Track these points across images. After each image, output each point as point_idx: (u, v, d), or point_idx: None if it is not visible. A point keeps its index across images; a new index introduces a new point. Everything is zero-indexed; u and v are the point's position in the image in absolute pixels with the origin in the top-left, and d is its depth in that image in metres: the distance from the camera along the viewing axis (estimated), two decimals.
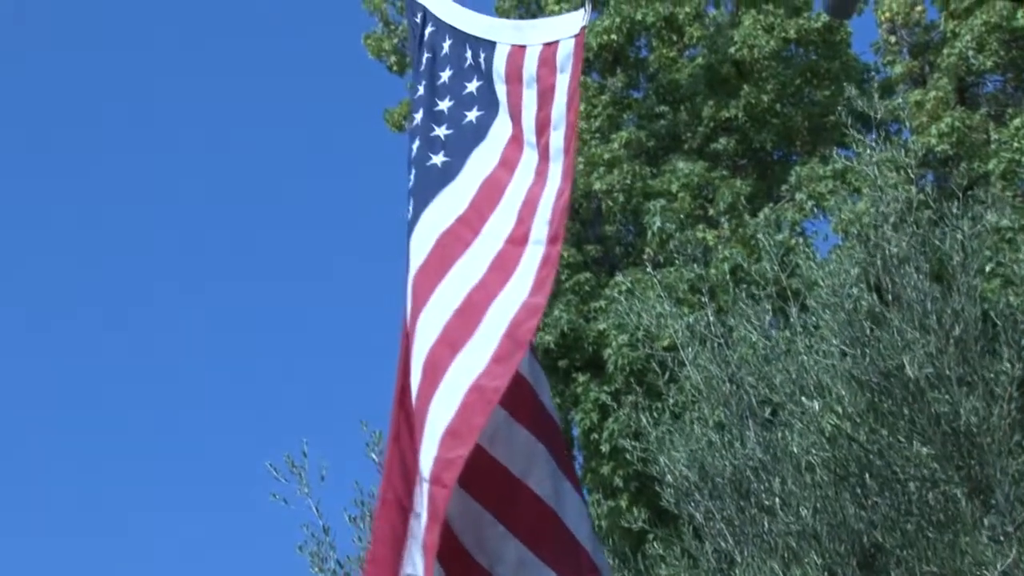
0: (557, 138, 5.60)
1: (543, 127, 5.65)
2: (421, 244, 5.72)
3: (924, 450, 11.01)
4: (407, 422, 5.55)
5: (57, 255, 38.33)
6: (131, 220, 37.21)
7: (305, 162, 37.50)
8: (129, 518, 35.93)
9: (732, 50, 21.81)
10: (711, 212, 20.81)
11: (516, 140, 5.76)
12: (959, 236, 11.55)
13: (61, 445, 37.69)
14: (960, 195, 11.80)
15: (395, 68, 23.56)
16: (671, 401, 13.74)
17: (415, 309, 5.59)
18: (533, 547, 5.50)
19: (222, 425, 37.88)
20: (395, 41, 23.47)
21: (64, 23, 39.22)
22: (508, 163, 5.73)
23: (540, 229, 5.53)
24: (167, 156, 37.87)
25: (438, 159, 5.93)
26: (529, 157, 5.69)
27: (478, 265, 5.56)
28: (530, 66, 5.74)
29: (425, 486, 5.18)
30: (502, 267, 5.51)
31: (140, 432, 36.77)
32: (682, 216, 20.36)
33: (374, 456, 13.15)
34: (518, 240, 5.56)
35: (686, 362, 12.68)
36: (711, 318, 12.68)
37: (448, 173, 5.87)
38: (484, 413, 5.17)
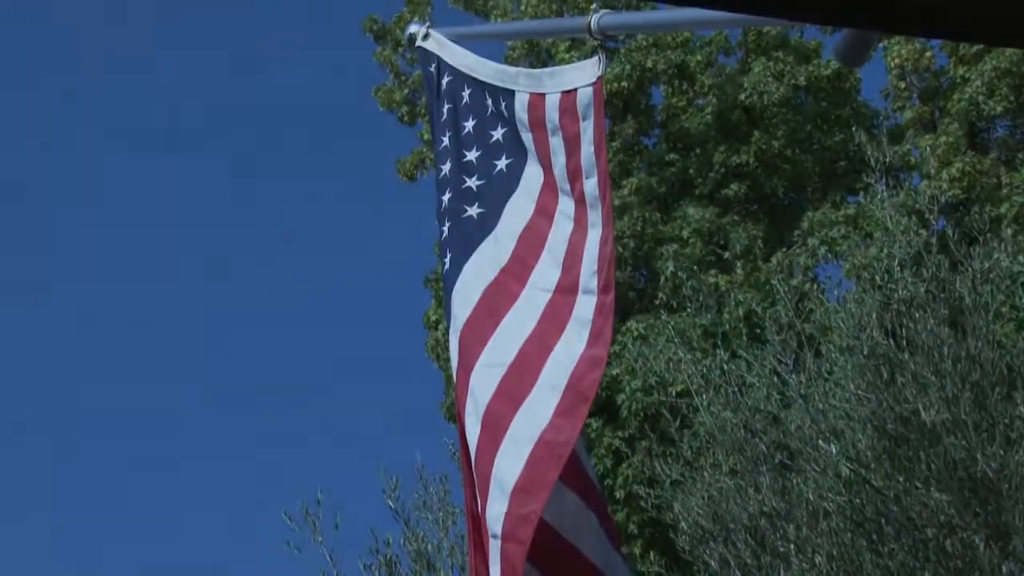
0: (591, 185, 5.59)
1: (575, 175, 5.64)
2: (466, 299, 5.70)
3: (941, 496, 10.96)
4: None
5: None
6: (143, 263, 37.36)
7: (319, 212, 37.56)
8: (143, 562, 35.87)
9: (742, 97, 21.87)
10: (726, 255, 20.81)
11: (550, 187, 5.75)
12: (970, 279, 11.53)
13: (64, 478, 37.66)
14: (981, 238, 11.80)
15: (405, 119, 23.65)
16: (685, 447, 13.71)
17: (465, 365, 5.56)
18: None
19: (235, 471, 37.86)
20: (405, 92, 23.55)
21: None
22: (545, 211, 5.72)
23: (589, 278, 5.51)
24: (188, 210, 38.01)
25: (473, 211, 5.91)
26: (565, 204, 5.67)
27: (528, 317, 5.54)
28: (552, 114, 5.72)
29: (496, 543, 5.17)
30: (554, 318, 5.49)
31: (152, 476, 36.73)
32: (694, 267, 20.35)
33: (390, 503, 13.13)
34: (567, 289, 5.54)
35: (700, 408, 12.65)
36: (725, 364, 12.65)
37: (485, 224, 5.86)
38: (555, 467, 5.17)
